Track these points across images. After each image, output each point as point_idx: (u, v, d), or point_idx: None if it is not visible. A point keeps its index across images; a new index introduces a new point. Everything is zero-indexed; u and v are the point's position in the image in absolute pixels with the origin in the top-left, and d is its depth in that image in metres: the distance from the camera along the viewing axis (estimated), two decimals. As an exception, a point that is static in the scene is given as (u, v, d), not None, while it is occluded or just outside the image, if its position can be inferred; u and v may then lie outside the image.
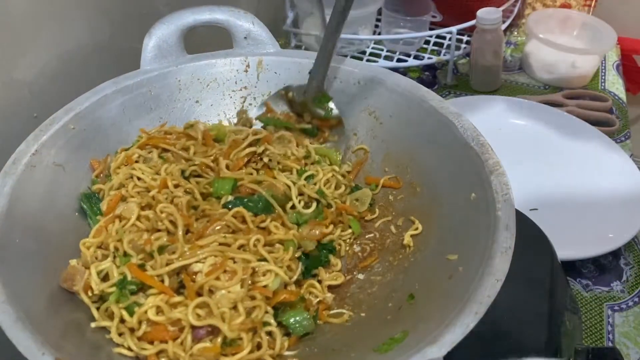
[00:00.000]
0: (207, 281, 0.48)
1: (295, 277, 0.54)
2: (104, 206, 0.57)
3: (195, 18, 0.67)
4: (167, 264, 0.49)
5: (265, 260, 0.52)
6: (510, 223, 0.47)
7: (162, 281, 0.49)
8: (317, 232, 0.57)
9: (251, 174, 0.60)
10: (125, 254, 0.52)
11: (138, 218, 0.54)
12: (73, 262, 0.52)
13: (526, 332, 0.53)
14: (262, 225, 0.56)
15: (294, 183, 0.59)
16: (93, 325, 0.48)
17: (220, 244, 0.52)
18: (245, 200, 0.57)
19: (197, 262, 0.50)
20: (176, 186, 0.57)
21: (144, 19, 0.70)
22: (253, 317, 0.48)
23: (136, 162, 0.60)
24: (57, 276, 0.50)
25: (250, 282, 0.50)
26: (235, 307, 0.48)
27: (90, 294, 0.50)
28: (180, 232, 0.52)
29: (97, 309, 0.49)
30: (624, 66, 1.18)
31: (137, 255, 0.51)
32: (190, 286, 0.48)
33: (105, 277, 0.51)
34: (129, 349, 0.47)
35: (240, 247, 0.52)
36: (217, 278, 0.49)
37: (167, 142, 0.62)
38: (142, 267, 0.50)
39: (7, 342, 0.40)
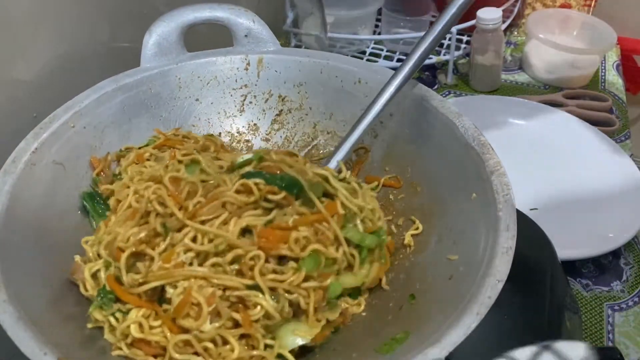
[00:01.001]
0: (177, 318, 0.45)
1: (322, 323, 0.48)
2: (111, 202, 0.56)
3: (196, 16, 0.67)
4: (139, 284, 0.47)
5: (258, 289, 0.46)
6: (511, 223, 0.47)
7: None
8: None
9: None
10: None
11: (136, 193, 0.52)
12: (77, 258, 0.52)
13: (526, 332, 0.53)
14: (274, 197, 0.48)
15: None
16: (89, 326, 0.48)
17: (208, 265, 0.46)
18: (265, 173, 0.50)
19: (168, 284, 0.46)
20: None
21: (144, 18, 0.69)
22: (254, 353, 0.45)
23: (147, 160, 0.60)
24: (58, 275, 0.50)
25: (228, 306, 0.45)
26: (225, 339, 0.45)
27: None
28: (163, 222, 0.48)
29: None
30: (624, 66, 1.18)
31: (113, 262, 0.49)
32: (165, 315, 0.46)
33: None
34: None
35: (234, 261, 0.46)
36: (188, 314, 0.45)
37: (185, 144, 0.61)
38: (118, 278, 0.48)
39: (8, 342, 0.40)
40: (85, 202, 0.57)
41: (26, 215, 0.51)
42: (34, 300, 0.45)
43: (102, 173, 0.60)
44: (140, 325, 0.46)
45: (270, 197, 0.49)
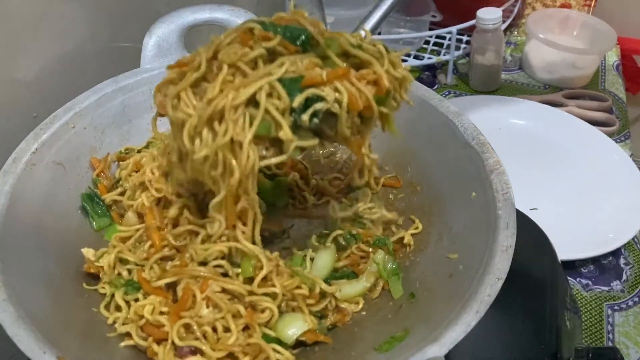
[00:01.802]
0: (180, 310, 0.48)
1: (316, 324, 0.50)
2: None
3: (195, 17, 0.67)
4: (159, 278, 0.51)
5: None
6: (510, 222, 0.47)
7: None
8: None
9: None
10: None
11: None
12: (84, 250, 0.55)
13: (526, 332, 0.53)
14: (268, 44, 0.44)
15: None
16: (110, 320, 0.50)
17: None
18: (267, 21, 0.46)
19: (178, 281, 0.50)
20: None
21: (144, 19, 0.70)
22: (250, 341, 0.47)
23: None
24: (58, 274, 0.50)
25: (221, 302, 0.48)
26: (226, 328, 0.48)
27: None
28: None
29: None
30: (624, 66, 1.18)
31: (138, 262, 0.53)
32: (172, 306, 0.49)
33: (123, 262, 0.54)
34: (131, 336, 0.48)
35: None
36: (189, 306, 0.48)
37: None
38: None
39: (8, 341, 0.40)
40: (84, 203, 0.58)
41: (26, 215, 0.51)
42: (34, 300, 0.45)
43: (102, 174, 0.60)
44: (153, 308, 0.49)
45: (264, 44, 0.44)
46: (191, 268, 0.50)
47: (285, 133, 0.42)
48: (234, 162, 0.43)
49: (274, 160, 0.44)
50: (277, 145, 0.44)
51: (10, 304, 0.42)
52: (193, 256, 0.51)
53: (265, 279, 0.49)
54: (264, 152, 0.44)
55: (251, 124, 0.42)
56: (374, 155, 0.52)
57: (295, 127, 0.43)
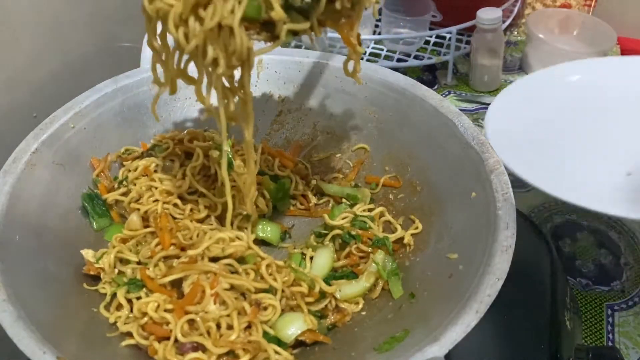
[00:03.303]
0: (187, 305, 0.48)
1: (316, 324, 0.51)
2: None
3: (196, 17, 0.67)
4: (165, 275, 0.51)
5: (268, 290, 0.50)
6: (510, 222, 0.47)
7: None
8: None
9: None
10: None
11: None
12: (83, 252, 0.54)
13: (526, 332, 0.53)
14: None
15: None
16: (112, 319, 0.50)
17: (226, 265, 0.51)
18: None
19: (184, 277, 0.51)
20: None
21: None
22: (251, 338, 0.47)
23: (155, 171, 0.60)
24: (58, 274, 0.50)
25: (229, 299, 0.48)
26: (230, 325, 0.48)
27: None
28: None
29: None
30: (624, 66, 1.18)
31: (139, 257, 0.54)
32: (178, 302, 0.49)
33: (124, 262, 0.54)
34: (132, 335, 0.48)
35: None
36: (197, 301, 0.49)
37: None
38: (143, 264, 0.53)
39: (8, 341, 0.40)
40: (85, 203, 0.58)
41: (26, 215, 0.51)
42: (34, 300, 0.45)
43: (102, 174, 0.60)
44: (158, 306, 0.49)
45: None
46: (202, 264, 0.50)
47: (277, 12, 0.41)
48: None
49: (269, 46, 0.43)
50: (269, 30, 0.43)
51: (10, 304, 0.42)
52: (204, 253, 0.51)
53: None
54: (255, 36, 0.43)
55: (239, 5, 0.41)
56: (360, 49, 0.50)
57: (286, 9, 0.42)
